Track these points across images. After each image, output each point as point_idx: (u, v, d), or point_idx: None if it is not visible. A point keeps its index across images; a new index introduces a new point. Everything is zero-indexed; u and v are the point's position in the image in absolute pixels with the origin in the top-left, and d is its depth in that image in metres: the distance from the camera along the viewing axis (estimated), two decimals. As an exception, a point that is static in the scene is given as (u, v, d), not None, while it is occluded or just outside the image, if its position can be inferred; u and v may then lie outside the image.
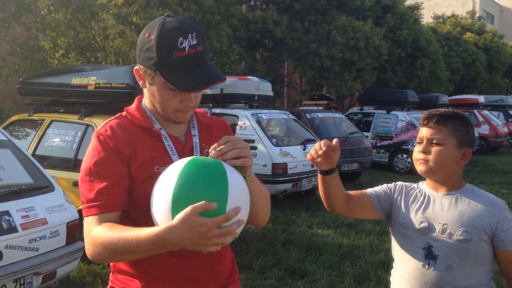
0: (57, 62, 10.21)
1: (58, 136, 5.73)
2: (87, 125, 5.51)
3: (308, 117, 10.62)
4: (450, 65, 23.68)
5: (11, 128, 6.08)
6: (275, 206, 7.99)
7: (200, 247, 1.31)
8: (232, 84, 8.53)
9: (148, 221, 1.44)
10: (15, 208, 3.47)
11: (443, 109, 1.90)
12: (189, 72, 1.50)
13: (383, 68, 18.57)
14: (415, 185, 2.00)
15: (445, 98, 16.91)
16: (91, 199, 1.51)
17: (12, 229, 3.34)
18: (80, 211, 4.16)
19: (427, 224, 1.85)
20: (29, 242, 3.42)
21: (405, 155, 12.42)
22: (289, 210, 7.80)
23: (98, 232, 1.45)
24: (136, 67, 1.59)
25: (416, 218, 1.88)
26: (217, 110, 8.66)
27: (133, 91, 5.52)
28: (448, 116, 1.85)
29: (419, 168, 1.86)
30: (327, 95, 21.72)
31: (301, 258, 5.37)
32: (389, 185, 2.06)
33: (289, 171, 7.75)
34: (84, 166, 1.55)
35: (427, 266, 1.82)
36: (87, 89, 5.78)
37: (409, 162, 12.33)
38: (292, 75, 20.04)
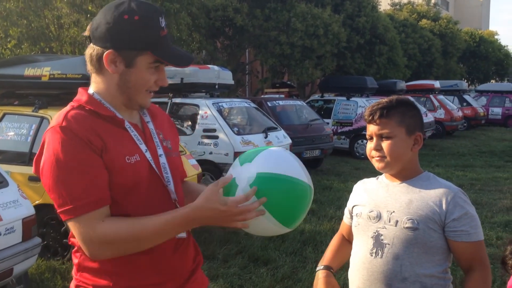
0: (9, 52, 9.85)
1: (12, 130, 5.54)
2: (42, 118, 5.35)
3: (270, 105, 10.65)
4: (407, 52, 24.19)
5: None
6: (238, 195, 8.01)
7: (224, 224, 1.44)
8: (192, 73, 8.45)
9: (126, 215, 1.48)
10: (-34, 205, 3.36)
11: (384, 100, 1.85)
12: (173, 49, 1.56)
13: (343, 55, 18.80)
14: (374, 178, 1.99)
15: (402, 84, 17.28)
16: (76, 197, 1.40)
17: (-36, 227, 3.23)
18: (37, 207, 4.07)
19: (376, 212, 1.84)
20: (-17, 240, 3.32)
21: (365, 141, 12.66)
22: (252, 198, 7.83)
23: (108, 228, 1.42)
24: (107, 51, 1.49)
25: (368, 207, 1.88)
26: (178, 100, 8.57)
27: (89, 82, 5.39)
28: (391, 107, 1.80)
29: (376, 165, 1.83)
30: (289, 82, 21.83)
31: (264, 246, 5.42)
32: (349, 200, 2.05)
33: (251, 160, 7.77)
34: (54, 164, 1.41)
35: (374, 255, 1.79)
36: (41, 80, 5.60)
37: (369, 148, 12.57)
38: (253, 63, 20.03)
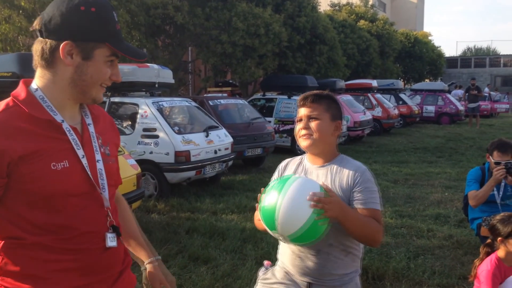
0: None
1: None
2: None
3: (211, 104, 10.66)
4: (346, 51, 24.85)
5: None
6: (180, 194, 7.98)
7: None
8: (131, 72, 8.31)
9: (46, 222, 1.48)
10: None
11: (314, 91, 2.19)
12: (127, 44, 1.58)
13: (284, 55, 19.06)
14: (298, 158, 2.26)
15: (342, 83, 17.76)
16: None
17: None
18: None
19: None
20: None
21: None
22: (194, 198, 7.83)
23: None
24: (64, 43, 1.46)
25: None
26: (116, 99, 8.41)
27: (20, 80, 5.21)
28: (321, 96, 2.13)
29: (303, 143, 2.10)
30: (231, 81, 21.88)
31: (205, 245, 5.44)
32: (276, 170, 2.35)
33: (192, 159, 7.77)
34: None
35: None
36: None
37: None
38: (196, 62, 19.92)
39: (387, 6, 57.29)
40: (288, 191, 1.82)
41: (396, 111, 19.18)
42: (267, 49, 16.69)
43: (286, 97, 13.63)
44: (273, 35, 16.40)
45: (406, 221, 6.48)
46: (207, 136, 8.29)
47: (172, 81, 9.58)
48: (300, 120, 2.12)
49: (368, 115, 16.21)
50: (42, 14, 1.52)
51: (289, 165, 2.27)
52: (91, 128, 1.62)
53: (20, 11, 10.33)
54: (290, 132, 13.09)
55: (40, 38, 1.51)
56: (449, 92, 24.71)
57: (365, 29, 29.27)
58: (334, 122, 2.12)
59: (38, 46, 1.51)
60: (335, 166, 2.11)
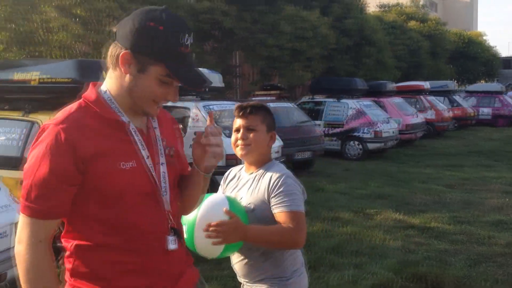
0: (-2, 57, 9.80)
1: (2, 134, 5.51)
2: (32, 122, 5.33)
3: (260, 107, 10.64)
4: (396, 53, 24.35)
5: None
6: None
7: None
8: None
9: (115, 221, 1.50)
10: (-44, 210, 3.33)
11: (251, 102, 2.26)
12: (190, 69, 1.54)
13: (331, 57, 18.88)
14: (240, 166, 2.35)
15: (391, 85, 17.39)
16: (31, 199, 1.45)
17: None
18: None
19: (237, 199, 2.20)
20: (-26, 245, 3.29)
21: (356, 142, 12.73)
22: (244, 200, 7.84)
23: (31, 252, 1.46)
24: (125, 51, 1.49)
25: (227, 193, 2.26)
26: (168, 103, 8.54)
27: (79, 86, 5.38)
28: (258, 107, 2.20)
29: (239, 152, 2.19)
30: (279, 85, 21.88)
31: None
32: (222, 179, 2.42)
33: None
34: (34, 160, 1.45)
35: None
36: (30, 85, 5.58)
37: (360, 149, 12.66)
38: (243, 66, 20.05)
39: (438, 6, 55.82)
40: (197, 219, 2.00)
41: (450, 114, 18.60)
42: (314, 52, 16.58)
43: (334, 100, 13.48)
44: (320, 38, 16.29)
45: (465, 228, 6.25)
46: (257, 139, 8.29)
47: (222, 84, 9.67)
48: (238, 130, 2.20)
49: (420, 118, 15.78)
50: (123, 18, 1.57)
51: (231, 173, 2.37)
52: (157, 131, 1.65)
53: (76, 19, 10.70)
54: (339, 135, 12.93)
55: (115, 41, 1.56)
56: (506, 93, 23.75)
57: (415, 29, 28.60)
58: (269, 133, 2.21)
59: (110, 48, 1.56)
60: (261, 172, 2.20)
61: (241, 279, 2.27)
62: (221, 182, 2.39)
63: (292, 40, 15.54)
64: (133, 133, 1.56)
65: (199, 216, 2.00)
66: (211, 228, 1.92)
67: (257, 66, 16.74)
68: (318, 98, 14.19)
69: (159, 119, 1.70)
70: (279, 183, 2.09)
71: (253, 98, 15.69)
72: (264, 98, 14.70)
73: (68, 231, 1.55)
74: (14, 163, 5.24)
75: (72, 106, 1.55)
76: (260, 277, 2.16)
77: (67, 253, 1.56)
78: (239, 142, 2.17)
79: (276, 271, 2.14)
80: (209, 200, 2.05)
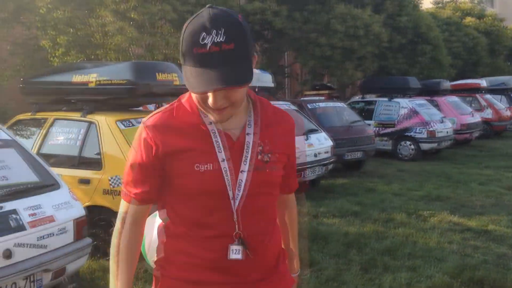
0: (58, 60, 10.21)
1: (62, 134, 5.75)
2: (90, 123, 5.52)
3: (310, 107, 10.60)
4: (452, 50, 23.55)
5: (15, 128, 6.10)
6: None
7: None
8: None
9: (186, 214, 1.58)
10: (22, 206, 3.50)
11: None
12: (205, 71, 1.40)
13: (384, 56, 18.50)
14: None
15: (446, 84, 16.84)
16: (126, 185, 1.64)
17: (20, 227, 3.37)
18: (86, 208, 4.20)
19: None
20: (38, 240, 3.45)
21: (409, 142, 12.42)
22: (294, 201, 7.81)
23: (124, 232, 1.65)
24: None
25: None
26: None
27: (134, 87, 5.54)
28: None
29: None
30: (329, 84, 21.66)
31: (308, 248, 5.39)
32: None
33: (293, 162, 7.75)
34: (130, 153, 1.65)
35: None
36: (88, 87, 5.79)
37: (413, 149, 12.35)
38: (293, 66, 19.99)
39: (495, 1, 53.58)
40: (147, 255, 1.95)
41: (509, 113, 17.80)
42: (366, 50, 16.31)
43: (386, 99, 13.21)
44: (372, 36, 16.00)
45: (526, 231, 5.97)
46: (307, 139, 8.25)
47: (272, 84, 9.69)
48: None
49: (477, 117, 15.20)
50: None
51: None
52: (249, 138, 1.59)
53: (131, 23, 10.99)
54: (391, 135, 12.66)
55: None
56: None
57: (472, 26, 27.55)
58: None
59: None
60: None
61: None
62: None
63: (344, 39, 15.34)
64: (212, 135, 1.55)
65: (149, 255, 1.93)
66: None
67: (308, 65, 16.63)
68: (369, 97, 13.95)
69: (265, 123, 1.63)
70: None
71: (303, 98, 15.64)
72: (314, 98, 14.60)
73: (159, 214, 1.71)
74: (73, 162, 5.46)
75: (166, 106, 1.64)
76: None
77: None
78: None
79: None
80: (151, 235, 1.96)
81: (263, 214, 1.64)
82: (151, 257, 1.85)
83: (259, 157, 1.60)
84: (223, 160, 1.55)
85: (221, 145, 1.55)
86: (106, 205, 4.96)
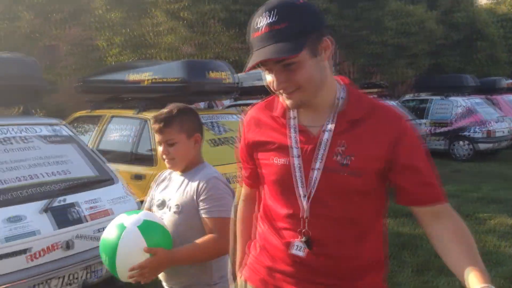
0: (112, 60, 10.53)
1: (117, 131, 5.91)
2: (144, 120, 5.65)
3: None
4: (509, 47, 22.56)
5: (74, 124, 6.33)
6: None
7: None
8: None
9: (266, 203, 1.64)
10: (82, 200, 3.62)
11: (165, 111, 2.12)
12: (256, 52, 1.41)
13: (438, 53, 17.95)
14: (169, 170, 2.27)
15: (503, 82, 16.15)
16: (240, 169, 1.78)
17: (80, 220, 3.48)
18: (139, 203, 4.29)
19: (161, 201, 2.18)
20: (96, 232, 3.55)
21: (465, 142, 12.00)
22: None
23: (238, 212, 1.86)
24: None
25: (158, 197, 2.22)
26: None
27: (186, 85, 5.62)
28: (170, 117, 2.09)
29: (167, 165, 2.17)
30: (380, 82, 21.25)
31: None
32: (154, 180, 2.38)
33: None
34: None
35: None
36: (142, 85, 5.92)
37: (470, 149, 11.92)
38: (343, 64, 19.74)
39: (558, -6, 50.85)
40: (116, 265, 2.00)
41: None
42: (419, 47, 15.88)
43: (441, 97, 12.81)
44: (427, 33, 15.56)
45: None
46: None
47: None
48: (160, 144, 2.15)
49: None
50: None
51: (162, 175, 2.31)
52: (326, 135, 1.49)
53: (184, 22, 11.19)
54: (446, 135, 12.27)
55: None
56: None
57: (530, 22, 26.27)
58: (191, 138, 2.14)
59: None
60: (191, 175, 2.15)
61: (167, 285, 2.22)
62: (152, 184, 2.35)
63: (396, 36, 15.00)
64: (290, 130, 1.55)
65: (118, 263, 1.99)
66: (134, 272, 1.95)
67: (358, 63, 16.37)
68: (423, 95, 13.58)
69: (351, 120, 1.48)
70: (209, 187, 2.06)
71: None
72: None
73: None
74: (127, 158, 5.59)
75: (261, 100, 1.69)
76: (187, 283, 2.14)
77: None
78: (164, 156, 2.14)
79: (203, 277, 2.12)
80: (124, 243, 1.99)
81: (338, 220, 1.51)
82: (121, 268, 1.97)
83: (337, 158, 1.48)
84: (296, 156, 1.52)
85: (297, 141, 1.53)
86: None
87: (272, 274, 1.62)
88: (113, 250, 2.00)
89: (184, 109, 2.16)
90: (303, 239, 1.52)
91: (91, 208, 3.62)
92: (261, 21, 1.40)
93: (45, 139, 4.06)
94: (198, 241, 2.03)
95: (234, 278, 1.86)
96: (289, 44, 1.37)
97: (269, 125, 1.60)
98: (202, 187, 2.06)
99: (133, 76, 6.07)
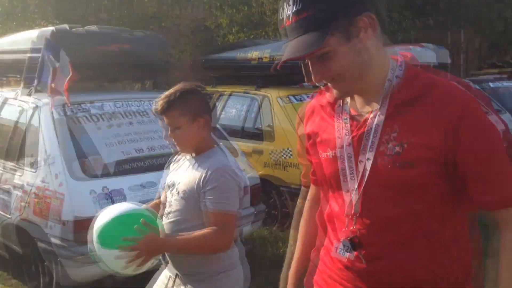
0: (233, 37, 10.77)
1: (237, 107, 6.07)
2: (263, 96, 5.72)
3: (492, 86, 9.65)
4: None
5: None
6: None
7: None
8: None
9: (323, 198, 1.52)
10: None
11: (167, 93, 2.01)
12: (285, 46, 1.31)
13: None
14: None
15: None
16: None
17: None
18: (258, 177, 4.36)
19: (171, 182, 2.08)
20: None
21: None
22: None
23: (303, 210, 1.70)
24: None
25: (169, 178, 2.13)
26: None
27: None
28: (170, 100, 1.98)
29: (176, 149, 2.10)
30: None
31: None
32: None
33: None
34: None
35: (164, 217, 2.06)
36: (263, 62, 5.99)
37: None
38: (468, 41, 18.40)
39: None
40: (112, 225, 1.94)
41: None
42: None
43: None
44: None
45: None
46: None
47: (449, 61, 9.04)
48: (166, 127, 2.08)
49: None
50: None
51: (177, 156, 2.20)
52: (376, 121, 1.31)
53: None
54: None
55: None
56: None
57: None
58: (196, 121, 2.00)
59: None
60: (201, 160, 2.03)
61: (170, 271, 2.11)
62: (166, 166, 2.26)
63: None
64: (337, 118, 1.41)
65: (111, 236, 1.91)
66: (126, 245, 1.84)
67: (487, 41, 15.13)
68: None
69: (403, 102, 1.30)
70: (212, 178, 1.93)
71: (470, 79, 14.32)
72: (495, 76, 13.25)
73: None
74: (247, 133, 5.72)
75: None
76: (189, 271, 2.03)
77: None
78: (168, 140, 2.08)
79: (208, 265, 2.01)
80: (123, 211, 2.00)
81: (393, 220, 1.30)
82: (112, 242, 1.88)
83: (388, 146, 1.28)
84: (342, 148, 1.36)
85: (343, 130, 1.37)
86: (277, 175, 5.11)
87: (327, 281, 1.45)
88: (109, 222, 1.95)
89: (188, 90, 2.03)
90: (348, 240, 1.35)
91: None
92: (285, 11, 1.29)
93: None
94: (197, 232, 1.93)
95: (284, 282, 1.69)
96: (313, 35, 1.25)
97: (320, 114, 1.47)
98: (206, 177, 1.94)
99: (255, 54, 6.18)
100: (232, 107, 6.13)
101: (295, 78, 6.16)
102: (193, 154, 2.07)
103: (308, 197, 1.64)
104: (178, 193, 2.01)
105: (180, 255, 2.03)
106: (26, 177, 3.65)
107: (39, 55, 3.91)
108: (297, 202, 1.77)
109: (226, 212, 1.93)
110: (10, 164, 3.92)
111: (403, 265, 1.30)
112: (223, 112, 6.12)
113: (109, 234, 1.91)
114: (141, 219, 1.90)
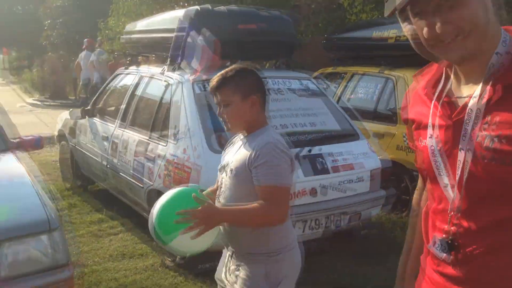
0: (355, 17, 10.54)
1: (359, 88, 5.96)
2: (387, 78, 5.56)
3: None
4: None
5: (317, 81, 6.59)
6: None
7: None
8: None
9: (428, 187, 1.36)
10: (327, 151, 3.80)
11: (222, 72, 2.07)
12: None
13: None
14: (238, 134, 2.19)
15: None
16: None
17: (325, 170, 3.68)
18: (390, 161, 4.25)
19: (223, 164, 2.13)
20: (339, 184, 3.71)
21: None
22: None
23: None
24: None
25: (223, 160, 2.17)
26: None
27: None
28: (225, 78, 2.04)
29: (225, 128, 2.12)
30: None
31: None
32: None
33: None
34: None
35: (218, 198, 2.13)
36: (387, 42, 5.80)
37: None
38: None
39: None
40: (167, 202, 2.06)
41: None
42: None
43: None
44: None
45: None
46: None
47: None
48: (218, 106, 2.11)
49: None
50: None
51: (234, 138, 2.23)
52: (476, 105, 1.14)
53: None
54: None
55: None
56: None
57: None
58: (247, 100, 2.04)
59: None
60: (251, 139, 2.06)
61: (228, 250, 2.14)
62: (223, 150, 2.31)
63: None
64: (433, 102, 1.25)
65: (167, 209, 1.99)
66: (183, 217, 1.86)
67: None
68: None
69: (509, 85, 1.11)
70: (262, 153, 1.96)
71: None
72: None
73: None
74: (369, 115, 5.61)
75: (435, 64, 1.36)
76: (247, 250, 2.05)
77: None
78: (219, 118, 2.12)
79: (264, 245, 2.03)
80: (177, 191, 2.11)
81: (495, 226, 1.14)
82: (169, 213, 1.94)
83: (488, 135, 1.11)
84: (436, 136, 1.22)
85: (439, 116, 1.22)
86: (399, 160, 4.97)
87: (425, 278, 1.35)
88: (165, 200, 2.06)
89: (242, 70, 2.10)
90: (445, 238, 1.21)
91: (335, 160, 3.78)
92: None
93: (295, 92, 4.36)
94: (252, 204, 1.94)
95: (400, 279, 1.58)
96: None
97: (419, 98, 1.32)
98: (256, 153, 1.97)
99: (378, 34, 5.99)
100: (354, 88, 6.04)
101: (420, 59, 5.89)
102: (245, 133, 2.10)
103: (418, 185, 1.53)
104: (230, 171, 2.05)
105: (235, 234, 2.06)
106: (169, 147, 3.86)
107: (184, 33, 4.08)
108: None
109: (278, 186, 1.95)
110: (155, 135, 4.17)
111: (504, 274, 1.14)
112: (344, 93, 6.06)
113: (165, 221, 1.99)
114: (192, 194, 1.94)
